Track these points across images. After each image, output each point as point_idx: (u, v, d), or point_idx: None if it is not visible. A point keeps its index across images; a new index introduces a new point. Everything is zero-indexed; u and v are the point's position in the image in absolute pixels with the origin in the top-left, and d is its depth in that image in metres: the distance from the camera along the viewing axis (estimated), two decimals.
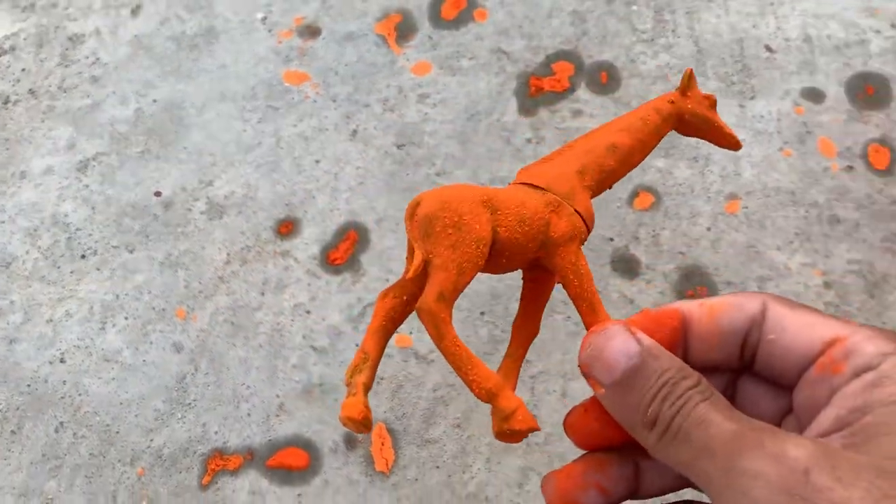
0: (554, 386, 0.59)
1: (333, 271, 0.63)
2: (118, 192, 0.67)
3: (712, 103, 0.33)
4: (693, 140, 0.66)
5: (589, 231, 0.31)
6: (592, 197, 0.31)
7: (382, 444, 0.58)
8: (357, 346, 0.61)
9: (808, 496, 0.19)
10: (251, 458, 0.58)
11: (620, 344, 0.24)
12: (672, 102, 0.32)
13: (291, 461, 0.58)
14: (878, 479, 0.19)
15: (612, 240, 0.63)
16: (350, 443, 0.58)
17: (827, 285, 0.61)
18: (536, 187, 0.30)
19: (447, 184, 0.65)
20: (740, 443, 0.21)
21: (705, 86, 0.68)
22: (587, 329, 0.27)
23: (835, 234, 0.62)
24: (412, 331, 0.61)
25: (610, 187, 0.33)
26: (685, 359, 0.25)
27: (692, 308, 0.25)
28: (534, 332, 0.32)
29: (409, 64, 0.70)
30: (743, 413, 0.23)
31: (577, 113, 0.68)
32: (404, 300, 0.29)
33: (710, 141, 0.33)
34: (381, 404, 0.59)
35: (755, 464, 0.20)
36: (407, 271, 0.28)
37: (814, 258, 0.62)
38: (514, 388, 0.30)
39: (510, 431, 0.27)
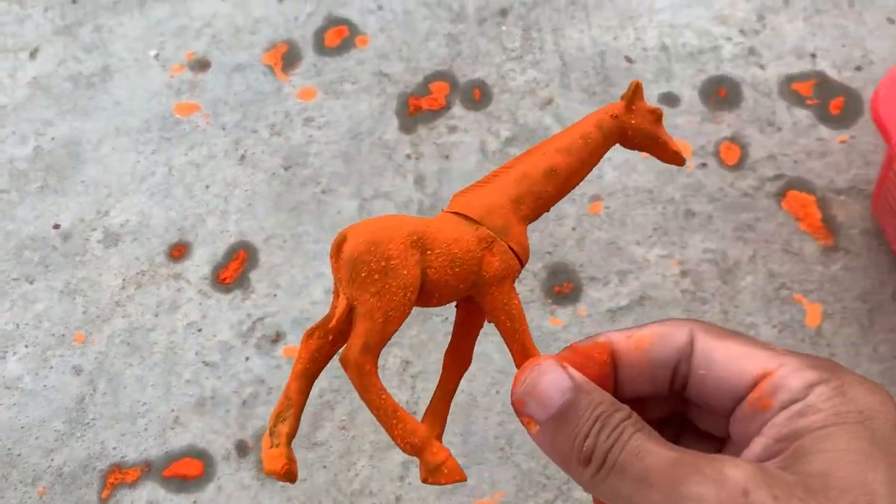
0: (432, 384, 0.63)
1: (224, 290, 0.67)
2: (18, 227, 0.70)
3: (658, 117, 0.30)
4: None
5: (522, 266, 0.30)
6: (529, 223, 0.30)
7: None
8: (247, 358, 0.64)
9: None
10: (148, 470, 0.61)
11: (553, 379, 0.24)
12: (615, 117, 0.30)
13: (186, 470, 0.61)
14: (805, 495, 0.20)
15: None
16: (241, 450, 0.61)
17: (683, 274, 0.66)
18: (469, 219, 0.29)
19: (332, 200, 0.69)
20: (679, 470, 0.21)
21: (569, 97, 0.73)
22: (517, 367, 0.27)
23: (690, 226, 0.67)
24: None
25: (548, 210, 0.32)
26: (615, 391, 0.26)
27: (619, 340, 0.26)
28: (466, 365, 0.31)
29: (295, 90, 0.75)
30: (692, 430, 0.25)
31: (452, 129, 0.72)
32: (330, 340, 0.27)
33: (654, 155, 0.32)
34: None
35: (696, 489, 0.21)
36: (331, 316, 0.27)
37: (671, 250, 0.66)
38: (443, 426, 0.29)
39: (436, 484, 0.27)
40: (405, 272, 0.26)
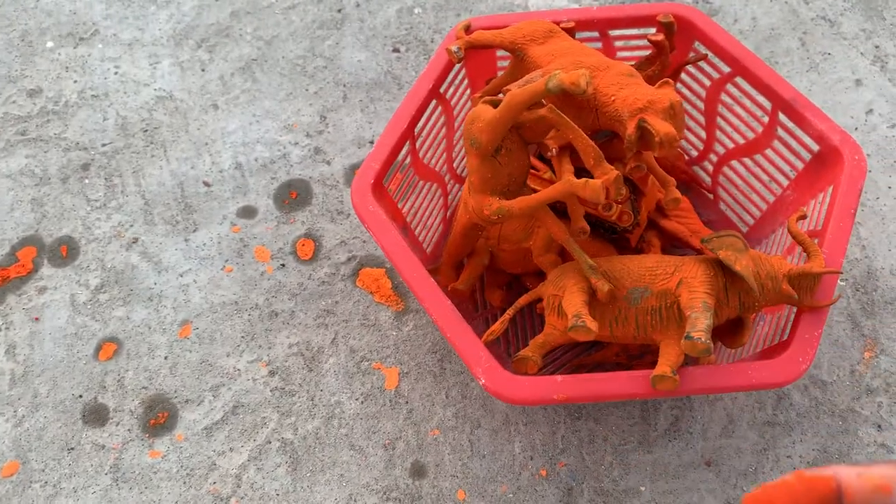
0: None
1: None
2: None
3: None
4: (151, 281, 0.73)
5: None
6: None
7: None
8: None
9: None
10: None
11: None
12: None
13: None
14: None
15: (80, 396, 0.69)
16: None
17: (272, 373, 0.70)
18: None
19: None
20: None
21: (153, 231, 0.77)
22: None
23: (275, 326, 0.72)
24: None
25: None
26: None
27: (849, 478, 0.26)
28: None
29: None
30: None
31: (42, 290, 0.74)
32: None
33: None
34: None
35: None
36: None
37: (259, 353, 0.70)
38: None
39: None
40: None
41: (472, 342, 0.54)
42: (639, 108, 0.53)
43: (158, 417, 0.68)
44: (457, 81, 0.69)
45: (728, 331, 0.57)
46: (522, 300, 0.59)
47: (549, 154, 0.57)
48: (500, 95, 0.65)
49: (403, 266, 0.57)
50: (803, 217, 0.57)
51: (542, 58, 0.61)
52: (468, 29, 0.67)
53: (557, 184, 0.53)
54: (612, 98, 0.55)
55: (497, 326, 0.58)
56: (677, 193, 0.57)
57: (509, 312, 0.58)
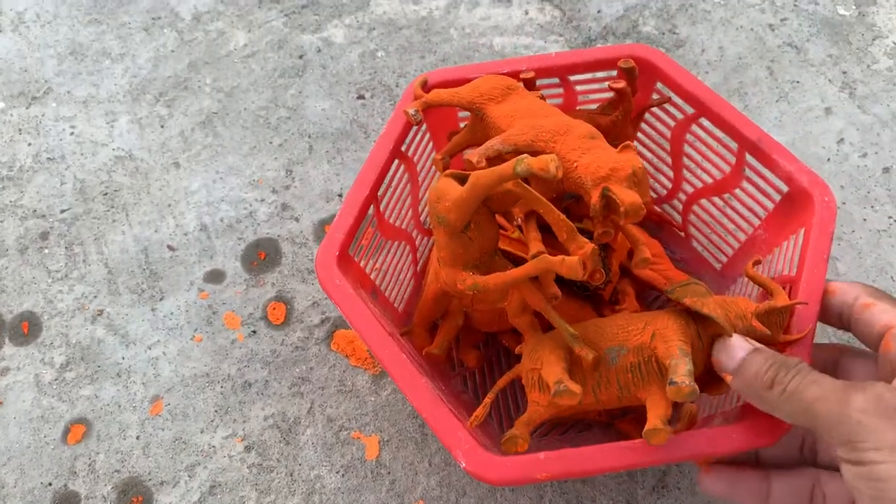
0: None
1: None
2: None
3: None
4: (118, 356, 0.71)
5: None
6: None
7: None
8: None
9: None
10: None
11: (738, 343, 0.43)
12: None
13: None
14: None
15: (50, 484, 0.66)
16: None
17: (248, 449, 0.68)
18: None
19: None
20: (849, 389, 0.35)
21: (119, 302, 0.74)
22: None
23: (248, 398, 0.70)
24: None
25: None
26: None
27: None
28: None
29: None
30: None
31: (4, 371, 0.71)
32: None
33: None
34: None
35: (862, 394, 0.34)
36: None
37: (234, 428, 0.68)
38: None
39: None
40: None
41: (451, 423, 0.52)
42: (601, 177, 0.52)
43: (132, 502, 0.65)
44: (418, 138, 0.68)
45: (709, 380, 0.56)
46: (501, 382, 0.57)
47: (516, 223, 0.56)
48: (465, 154, 0.63)
49: (376, 346, 0.55)
50: (758, 263, 0.56)
51: (500, 119, 0.59)
52: (425, 85, 0.65)
53: (533, 262, 0.51)
54: (575, 164, 0.53)
55: (480, 412, 0.56)
56: (647, 253, 0.56)
57: (490, 396, 0.56)
